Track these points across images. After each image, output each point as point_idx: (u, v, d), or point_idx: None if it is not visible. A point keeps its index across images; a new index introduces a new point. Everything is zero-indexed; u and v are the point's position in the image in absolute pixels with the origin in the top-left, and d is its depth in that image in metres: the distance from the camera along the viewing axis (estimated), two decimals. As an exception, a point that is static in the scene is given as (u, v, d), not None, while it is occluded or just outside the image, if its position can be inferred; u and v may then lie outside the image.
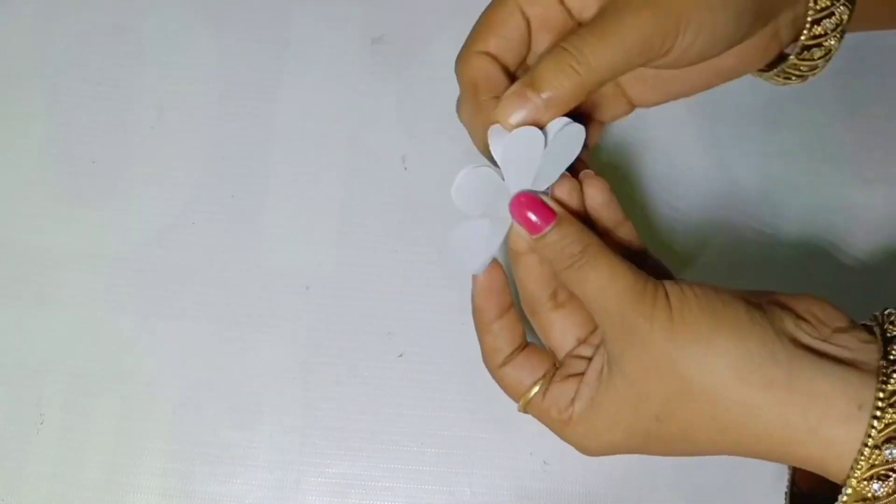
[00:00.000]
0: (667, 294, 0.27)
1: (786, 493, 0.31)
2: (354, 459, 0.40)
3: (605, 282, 0.28)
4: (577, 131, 0.29)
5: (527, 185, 0.29)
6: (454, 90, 0.45)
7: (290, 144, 0.44)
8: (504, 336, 0.31)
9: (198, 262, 0.42)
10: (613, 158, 0.43)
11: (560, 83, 0.27)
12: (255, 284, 0.42)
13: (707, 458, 0.29)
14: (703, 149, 0.43)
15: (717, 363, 0.26)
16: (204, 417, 0.41)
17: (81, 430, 0.40)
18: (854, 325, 0.28)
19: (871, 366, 0.26)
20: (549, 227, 0.29)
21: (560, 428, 0.30)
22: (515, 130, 0.27)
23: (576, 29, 0.30)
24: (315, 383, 0.41)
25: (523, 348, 0.32)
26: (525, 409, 0.31)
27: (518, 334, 0.32)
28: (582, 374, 0.30)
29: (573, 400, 0.30)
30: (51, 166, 0.44)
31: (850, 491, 0.25)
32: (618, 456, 0.30)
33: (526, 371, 0.31)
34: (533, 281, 0.31)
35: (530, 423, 0.31)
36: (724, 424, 0.27)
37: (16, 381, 0.41)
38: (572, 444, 0.30)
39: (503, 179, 0.29)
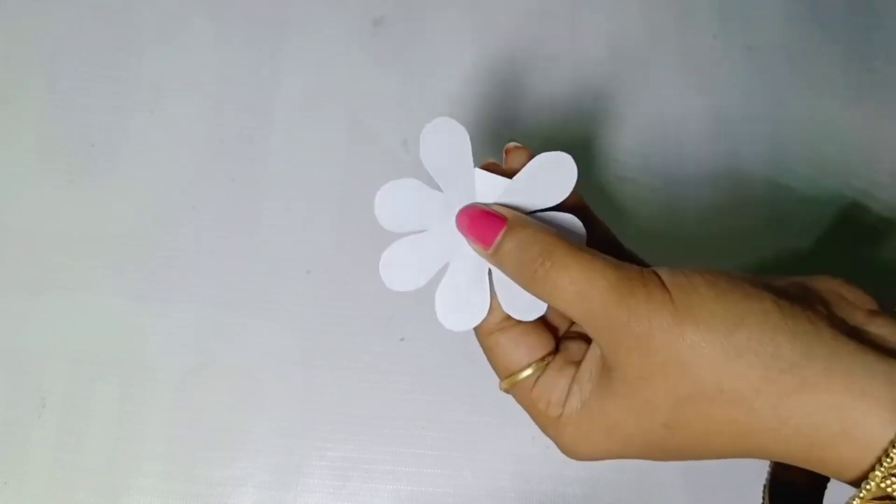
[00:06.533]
0: (662, 283, 0.24)
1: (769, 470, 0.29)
2: (356, 443, 0.40)
3: (583, 284, 0.24)
4: (566, 163, 0.27)
5: (468, 196, 0.28)
6: (455, 71, 0.45)
7: (289, 127, 0.44)
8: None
9: (198, 245, 0.42)
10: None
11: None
12: (255, 268, 0.42)
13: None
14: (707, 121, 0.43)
15: (739, 363, 0.23)
16: (205, 401, 0.40)
17: (83, 415, 0.40)
18: (885, 309, 0.25)
19: None
20: (500, 236, 0.26)
21: (545, 423, 0.27)
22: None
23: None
24: (316, 367, 0.41)
25: None
26: (509, 390, 0.28)
27: None
28: (580, 362, 0.27)
29: (567, 397, 0.27)
30: (49, 150, 0.43)
31: (870, 486, 0.23)
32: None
33: (523, 348, 0.28)
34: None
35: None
36: (745, 428, 0.24)
37: (17, 366, 0.41)
38: (557, 444, 0.27)
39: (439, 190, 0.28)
